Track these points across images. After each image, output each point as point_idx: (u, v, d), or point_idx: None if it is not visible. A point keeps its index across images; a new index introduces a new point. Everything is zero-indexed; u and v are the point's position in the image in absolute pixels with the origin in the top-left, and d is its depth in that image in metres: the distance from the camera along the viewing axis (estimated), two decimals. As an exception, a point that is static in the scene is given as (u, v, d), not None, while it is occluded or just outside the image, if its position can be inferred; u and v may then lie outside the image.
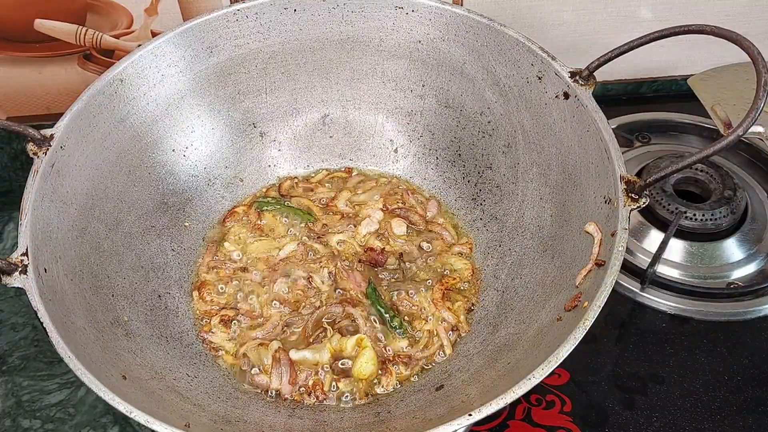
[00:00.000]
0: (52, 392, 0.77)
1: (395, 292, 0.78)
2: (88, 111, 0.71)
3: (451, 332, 0.75)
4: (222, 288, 0.78)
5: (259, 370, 0.72)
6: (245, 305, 0.77)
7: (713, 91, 0.83)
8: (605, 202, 0.64)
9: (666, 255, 0.82)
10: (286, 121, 0.88)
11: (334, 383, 0.70)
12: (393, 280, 0.79)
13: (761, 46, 0.59)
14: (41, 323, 0.56)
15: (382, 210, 0.85)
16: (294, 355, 0.72)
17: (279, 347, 0.72)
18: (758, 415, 0.72)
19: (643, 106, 1.05)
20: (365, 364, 0.70)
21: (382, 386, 0.71)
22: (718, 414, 0.72)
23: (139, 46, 0.76)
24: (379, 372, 0.71)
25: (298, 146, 0.89)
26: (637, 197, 0.62)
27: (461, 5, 0.85)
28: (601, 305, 0.56)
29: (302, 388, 0.70)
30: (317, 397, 0.69)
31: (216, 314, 0.76)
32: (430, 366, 0.73)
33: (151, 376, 0.64)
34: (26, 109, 0.97)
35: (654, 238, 0.86)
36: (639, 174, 0.91)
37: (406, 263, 0.81)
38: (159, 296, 0.75)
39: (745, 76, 0.84)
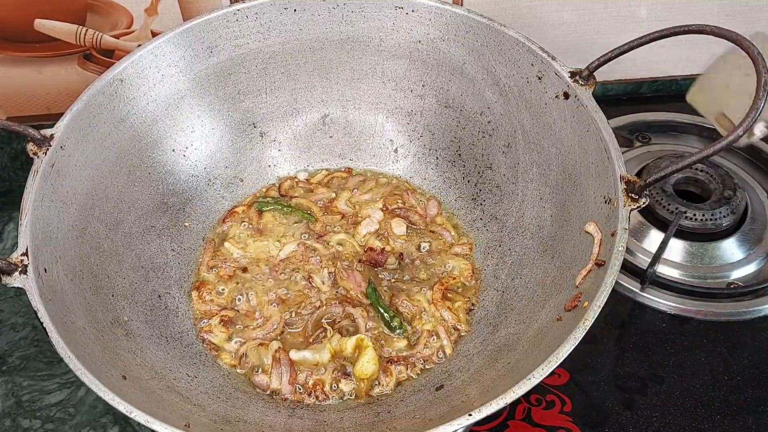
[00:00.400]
0: (52, 392, 0.77)
1: (395, 292, 0.78)
2: (88, 111, 0.71)
3: (451, 332, 0.75)
4: (222, 288, 0.78)
5: (260, 370, 0.72)
6: (245, 305, 0.77)
7: (714, 101, 0.82)
8: (605, 202, 0.64)
9: (666, 255, 0.82)
10: (286, 121, 0.88)
11: (334, 383, 0.70)
12: (393, 280, 0.79)
13: (761, 46, 0.59)
14: (41, 323, 0.56)
15: (382, 210, 0.85)
16: (294, 355, 0.72)
17: (279, 347, 0.72)
18: (758, 415, 0.72)
19: (643, 106, 1.05)
20: (366, 364, 0.70)
21: (382, 386, 0.71)
22: (718, 414, 0.72)
23: (139, 46, 0.76)
24: (380, 372, 0.71)
25: (298, 146, 0.89)
26: (637, 197, 0.62)
27: (461, 5, 0.85)
28: (601, 305, 0.56)
29: (302, 388, 0.70)
30: (317, 397, 0.69)
31: (216, 314, 0.76)
32: (431, 366, 0.73)
33: (151, 376, 0.64)
34: (26, 109, 0.97)
35: (654, 238, 0.86)
36: (639, 174, 0.91)
37: (406, 263, 0.81)
38: (159, 296, 0.75)
39: (737, 69, 0.83)
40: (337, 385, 0.70)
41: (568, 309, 0.62)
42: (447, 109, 0.85)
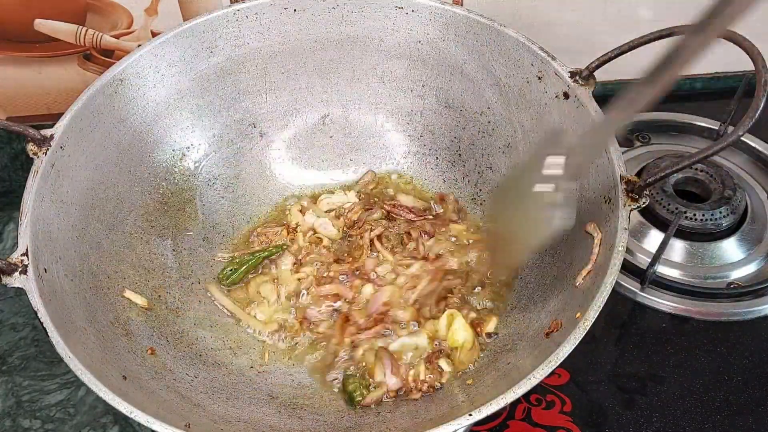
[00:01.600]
0: (52, 392, 0.77)
1: None
2: (88, 111, 0.71)
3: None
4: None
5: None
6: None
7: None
8: (605, 202, 0.64)
9: (666, 255, 0.82)
10: (286, 121, 0.88)
11: (432, 366, 0.69)
12: None
13: (761, 46, 0.59)
14: (41, 323, 0.56)
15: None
16: (393, 345, 0.71)
17: (380, 347, 0.71)
18: (758, 415, 0.72)
19: (643, 106, 1.04)
20: (457, 331, 0.70)
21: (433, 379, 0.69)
22: (718, 414, 0.72)
23: (139, 46, 0.76)
24: (475, 339, 0.70)
25: (298, 146, 0.89)
26: (637, 197, 0.62)
27: (461, 5, 0.85)
28: (601, 305, 0.56)
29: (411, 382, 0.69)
30: (420, 390, 0.68)
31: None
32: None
33: (151, 376, 0.64)
34: (26, 109, 0.97)
35: (654, 238, 0.86)
36: (639, 174, 0.91)
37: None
38: (159, 296, 0.75)
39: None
40: (438, 365, 0.69)
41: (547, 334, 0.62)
42: (447, 109, 0.85)
